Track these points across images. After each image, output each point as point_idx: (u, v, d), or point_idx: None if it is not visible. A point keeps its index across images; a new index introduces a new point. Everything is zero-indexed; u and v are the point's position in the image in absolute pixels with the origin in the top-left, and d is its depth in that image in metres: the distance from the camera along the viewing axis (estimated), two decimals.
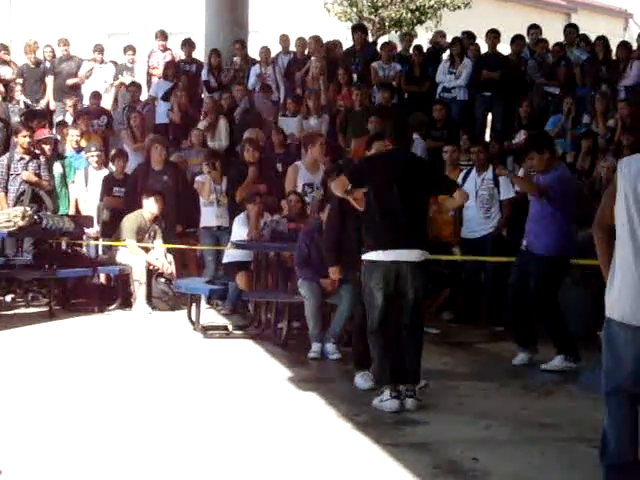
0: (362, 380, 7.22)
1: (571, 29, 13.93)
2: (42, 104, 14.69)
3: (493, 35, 13.38)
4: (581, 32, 13.81)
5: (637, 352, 4.53)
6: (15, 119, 13.54)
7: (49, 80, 14.86)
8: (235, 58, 14.35)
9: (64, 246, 11.08)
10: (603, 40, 12.71)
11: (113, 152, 12.18)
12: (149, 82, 14.74)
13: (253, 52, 14.62)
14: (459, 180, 9.59)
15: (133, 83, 14.44)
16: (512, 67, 13.03)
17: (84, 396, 6.94)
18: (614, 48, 12.68)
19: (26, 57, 15.03)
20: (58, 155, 12.03)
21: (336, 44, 14.46)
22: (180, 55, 14.88)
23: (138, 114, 13.13)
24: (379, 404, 6.69)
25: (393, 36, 20.00)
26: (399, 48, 14.24)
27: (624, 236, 4.47)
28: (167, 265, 10.84)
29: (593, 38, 13.28)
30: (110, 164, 11.96)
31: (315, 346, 8.44)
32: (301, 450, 5.74)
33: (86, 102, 14.37)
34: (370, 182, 6.77)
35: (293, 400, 6.96)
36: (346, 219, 7.28)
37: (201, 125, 12.74)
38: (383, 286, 6.67)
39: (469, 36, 13.74)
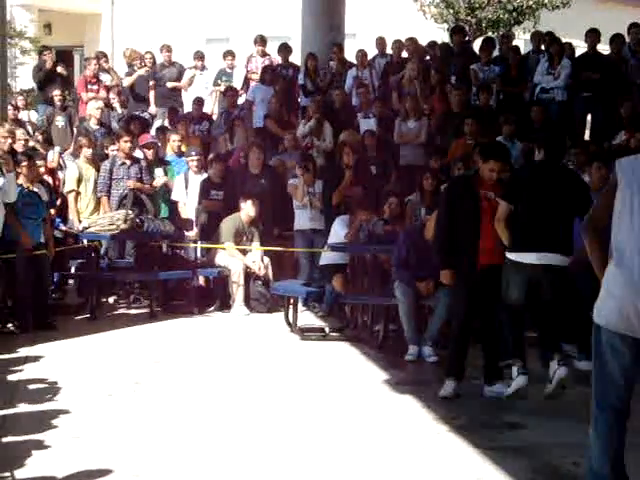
0: (449, 388, 7.12)
1: None
2: (148, 110, 15.01)
3: (593, 35, 13.16)
4: None
5: (623, 362, 4.43)
6: (114, 125, 13.86)
7: (150, 86, 15.18)
8: (332, 62, 14.41)
9: (164, 249, 11.28)
10: None
11: (211, 156, 12.36)
12: (248, 87, 14.90)
13: (350, 56, 14.65)
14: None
15: (230, 88, 14.63)
16: (612, 67, 12.78)
17: (183, 396, 7.06)
18: None
19: (127, 63, 15.38)
20: (160, 160, 12.25)
21: (432, 46, 14.40)
22: (278, 60, 15.01)
23: (239, 120, 13.28)
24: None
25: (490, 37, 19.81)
26: (496, 50, 14.11)
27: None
28: (264, 268, 10.94)
29: None
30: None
31: (412, 349, 8.43)
32: (398, 453, 5.74)
33: (187, 108, 14.63)
34: (522, 196, 6.84)
35: (390, 403, 6.96)
36: (455, 222, 7.20)
37: (304, 127, 12.80)
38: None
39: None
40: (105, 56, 16.06)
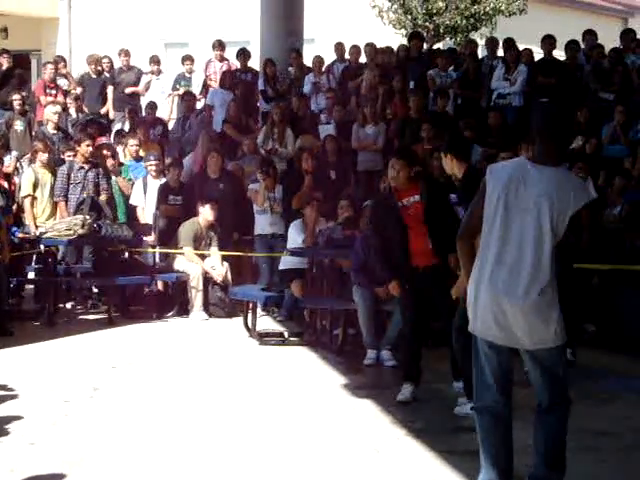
0: (407, 392, 7.12)
1: (628, 34, 13.81)
2: (102, 113, 14.97)
3: (549, 41, 13.30)
4: (638, 37, 13.67)
5: (493, 367, 4.52)
6: (71, 130, 13.77)
7: (109, 90, 15.13)
8: (290, 67, 14.43)
9: (123, 254, 11.21)
10: None
11: (168, 161, 12.32)
12: (206, 92, 14.88)
13: (308, 61, 14.68)
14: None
15: (188, 93, 14.61)
16: (568, 73, 12.93)
17: (141, 402, 7.03)
18: None
19: (88, 68, 15.33)
20: (118, 163, 12.19)
21: (390, 51, 14.47)
22: (237, 65, 15.00)
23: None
24: (472, 412, 6.65)
25: (448, 43, 19.95)
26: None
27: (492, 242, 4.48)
28: (223, 272, 10.93)
29: None
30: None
31: (370, 353, 8.46)
32: (357, 457, 5.76)
33: (144, 113, 14.60)
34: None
35: (348, 407, 6.98)
36: (389, 233, 7.24)
37: (264, 133, 12.79)
38: None
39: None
40: (64, 60, 16.00)
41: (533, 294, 4.39)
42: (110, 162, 11.84)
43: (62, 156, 11.95)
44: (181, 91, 14.87)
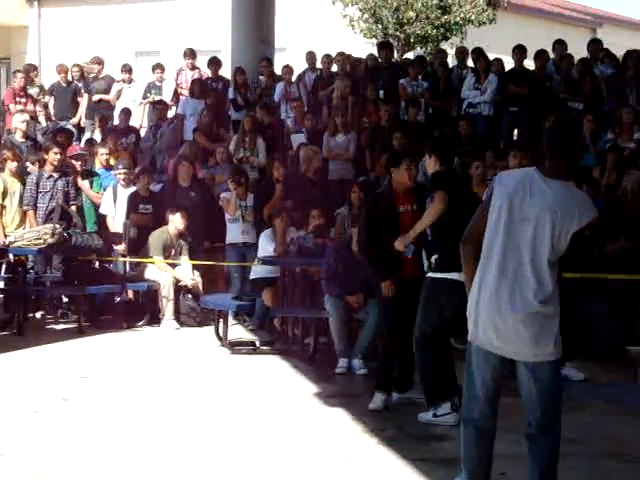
0: (379, 401, 7.13)
1: (595, 44, 13.94)
2: (72, 122, 14.90)
3: (520, 51, 13.39)
4: (606, 46, 13.79)
5: (485, 377, 4.55)
6: (39, 138, 13.71)
7: (80, 99, 15.07)
8: (261, 76, 14.44)
9: (93, 263, 11.15)
10: (633, 53, 12.69)
11: (138, 169, 12.28)
12: (178, 100, 14.86)
13: (279, 69, 14.69)
14: (484, 197, 9.57)
15: (160, 101, 14.58)
16: (538, 82, 13.02)
17: (111, 412, 6.99)
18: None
19: (58, 77, 15.27)
20: (89, 172, 12.15)
21: (360, 61, 14.51)
22: (208, 73, 15.00)
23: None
24: (434, 419, 6.67)
25: (418, 52, 20.03)
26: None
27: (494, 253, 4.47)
28: (193, 281, 10.90)
29: (618, 53, 13.23)
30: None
31: (342, 361, 8.46)
32: (328, 466, 5.76)
33: (116, 121, 14.55)
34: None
35: (320, 415, 6.98)
36: (381, 235, 7.20)
37: (235, 142, 12.77)
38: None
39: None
40: (35, 69, 15.92)
41: (535, 305, 4.39)
42: (79, 168, 11.81)
43: (27, 164, 11.87)
44: (152, 99, 14.84)
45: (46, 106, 14.58)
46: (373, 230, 7.24)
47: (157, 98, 14.84)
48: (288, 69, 14.35)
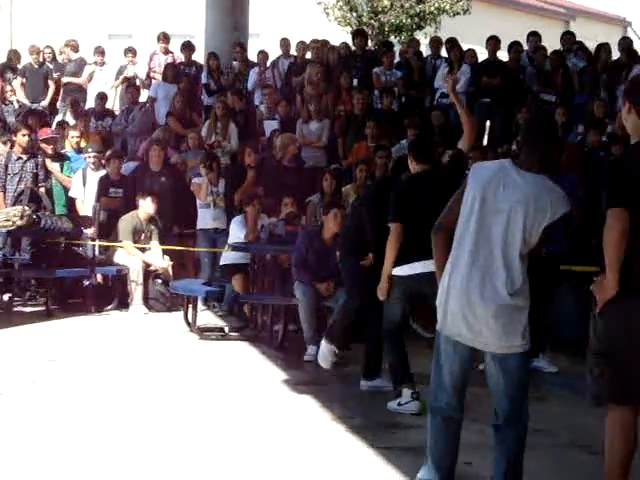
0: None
1: (568, 36, 14.00)
2: (43, 104, 14.77)
3: (493, 42, 13.43)
4: (580, 39, 13.86)
5: (453, 367, 4.59)
6: (10, 119, 13.59)
7: (52, 81, 14.94)
8: (235, 62, 14.39)
9: (62, 246, 11.10)
10: (605, 47, 12.76)
11: (109, 153, 12.21)
12: (150, 84, 14.77)
13: (253, 55, 14.65)
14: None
15: (132, 85, 14.49)
16: (511, 74, 13.06)
17: (79, 396, 6.97)
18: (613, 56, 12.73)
19: (30, 58, 15.13)
20: (60, 155, 12.06)
21: (334, 48, 14.48)
22: (181, 58, 14.92)
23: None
24: (398, 407, 6.70)
25: (393, 41, 20.03)
26: (397, 56, 14.27)
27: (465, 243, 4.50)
28: (163, 266, 10.87)
29: (591, 45, 13.30)
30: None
31: (310, 349, 8.47)
32: (294, 453, 5.76)
33: (90, 104, 14.44)
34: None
35: (288, 402, 6.98)
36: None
37: (207, 127, 12.72)
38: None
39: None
40: (18, 57, 15.74)
41: (504, 297, 4.40)
42: (49, 151, 11.72)
43: None
44: (126, 74, 14.72)
45: (18, 87, 14.42)
46: (376, 218, 7.01)
47: (131, 74, 14.73)
48: (263, 55, 14.30)
